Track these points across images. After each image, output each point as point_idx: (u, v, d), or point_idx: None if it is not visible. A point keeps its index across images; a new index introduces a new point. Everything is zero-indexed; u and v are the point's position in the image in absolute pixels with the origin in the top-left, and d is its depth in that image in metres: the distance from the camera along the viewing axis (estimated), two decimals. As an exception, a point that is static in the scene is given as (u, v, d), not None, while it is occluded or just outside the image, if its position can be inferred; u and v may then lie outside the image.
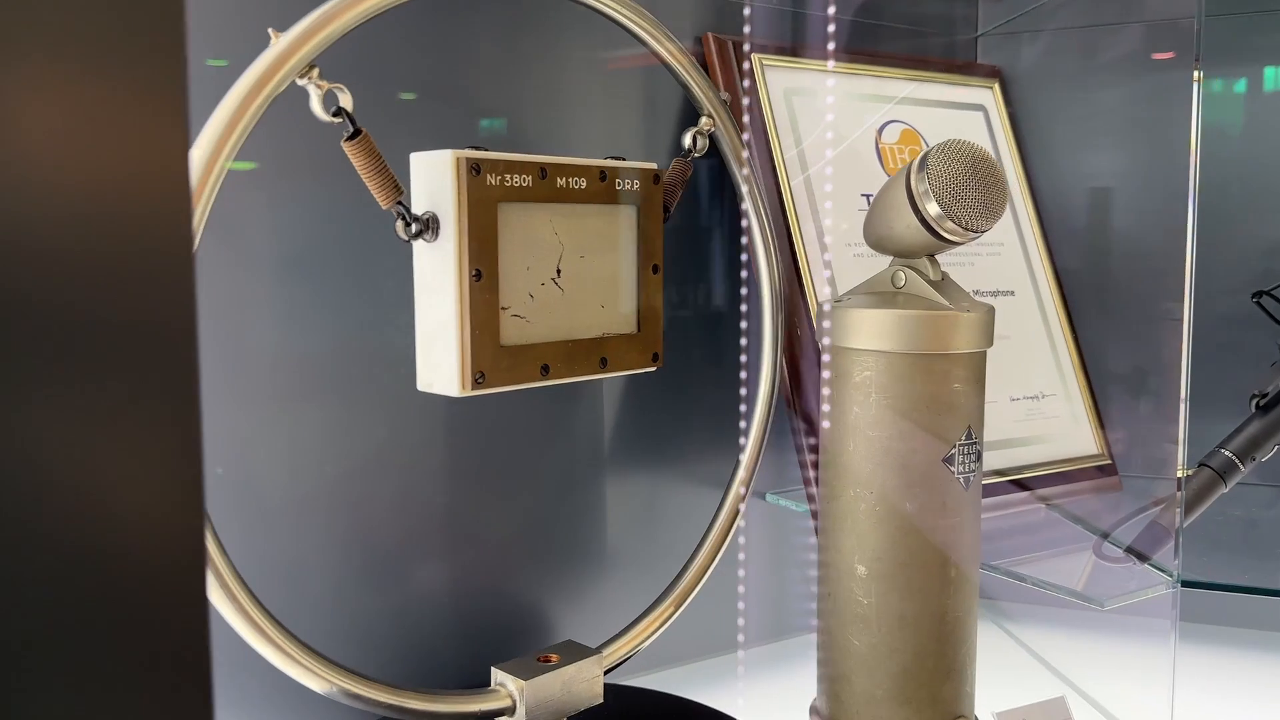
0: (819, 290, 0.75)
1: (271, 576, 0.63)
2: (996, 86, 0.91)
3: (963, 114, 0.88)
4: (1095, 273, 0.89)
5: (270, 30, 0.44)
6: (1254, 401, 0.70)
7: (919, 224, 0.57)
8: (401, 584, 0.68)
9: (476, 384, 0.49)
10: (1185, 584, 0.63)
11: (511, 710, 0.56)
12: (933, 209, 0.56)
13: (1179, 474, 0.62)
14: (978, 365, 0.58)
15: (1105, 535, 0.70)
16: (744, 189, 0.65)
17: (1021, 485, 0.81)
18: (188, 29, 0.20)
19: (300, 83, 0.45)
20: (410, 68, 0.64)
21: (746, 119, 0.76)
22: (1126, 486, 0.84)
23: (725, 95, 0.63)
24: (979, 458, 0.59)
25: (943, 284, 0.59)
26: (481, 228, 0.49)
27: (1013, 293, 0.85)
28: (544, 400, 0.72)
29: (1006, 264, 0.85)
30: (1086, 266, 0.89)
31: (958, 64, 0.91)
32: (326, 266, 0.61)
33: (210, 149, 0.42)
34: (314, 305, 0.62)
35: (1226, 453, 0.70)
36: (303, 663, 0.51)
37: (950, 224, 0.56)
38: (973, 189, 0.55)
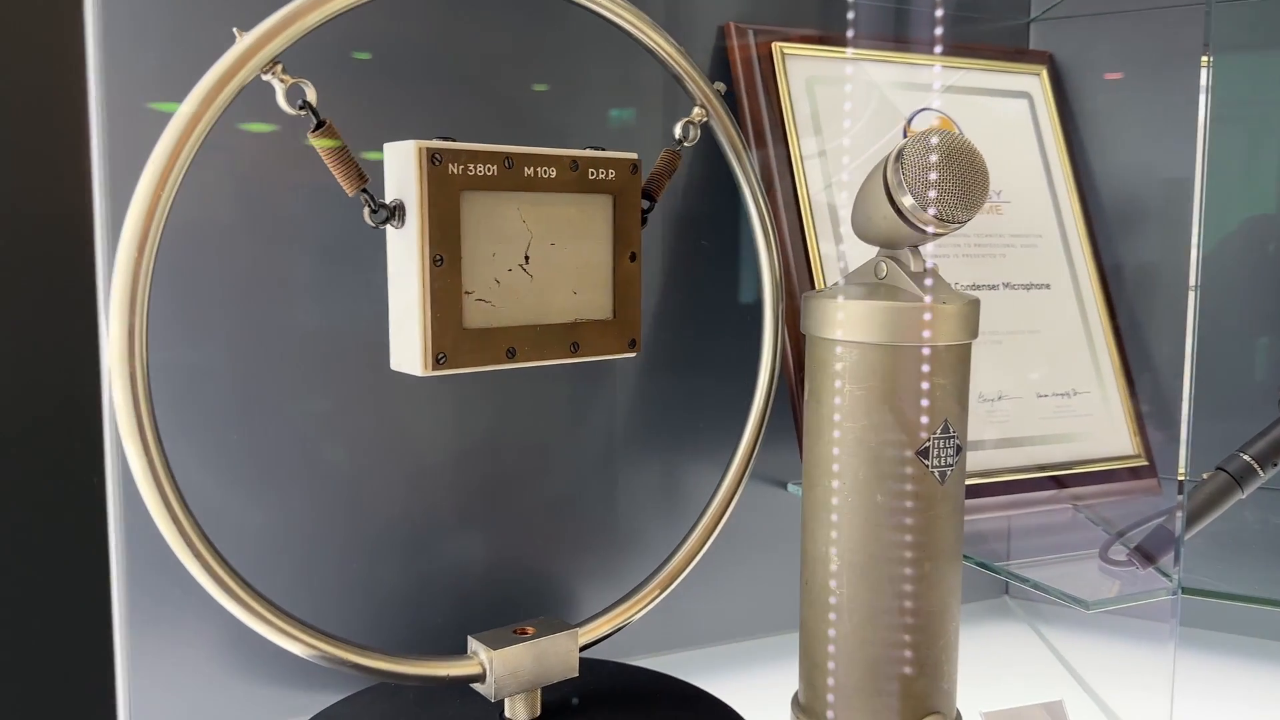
0: (829, 281, 0.74)
1: (286, 548, 0.67)
2: (1044, 73, 0.88)
3: (1004, 101, 0.86)
4: (1144, 269, 0.86)
5: (235, 30, 0.47)
6: (1281, 403, 0.67)
7: (895, 215, 0.56)
8: (417, 557, 0.71)
9: (438, 364, 0.52)
10: (1186, 590, 0.61)
11: (482, 678, 0.58)
12: (907, 201, 0.55)
13: (1180, 478, 0.60)
14: (958, 358, 0.58)
15: (1119, 536, 0.67)
16: (740, 178, 0.66)
17: (1049, 484, 0.79)
18: None
19: (265, 78, 0.48)
20: (427, 56, 0.67)
21: (764, 109, 0.76)
22: (1167, 490, 0.81)
23: (720, 86, 0.64)
24: (958, 451, 0.58)
25: (923, 276, 0.58)
26: (442, 215, 0.51)
27: (1048, 286, 0.82)
28: (565, 382, 0.74)
29: (1043, 256, 0.83)
30: (1135, 262, 0.86)
31: (1003, 50, 0.88)
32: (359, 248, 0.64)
33: (173, 142, 0.45)
34: (342, 283, 0.66)
35: (1245, 457, 0.66)
36: (281, 626, 0.55)
37: (925, 215, 0.55)
38: (947, 180, 0.54)
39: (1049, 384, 0.80)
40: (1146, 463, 0.80)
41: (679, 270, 0.77)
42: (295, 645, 0.55)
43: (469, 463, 0.73)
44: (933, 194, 0.55)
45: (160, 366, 0.63)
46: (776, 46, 0.77)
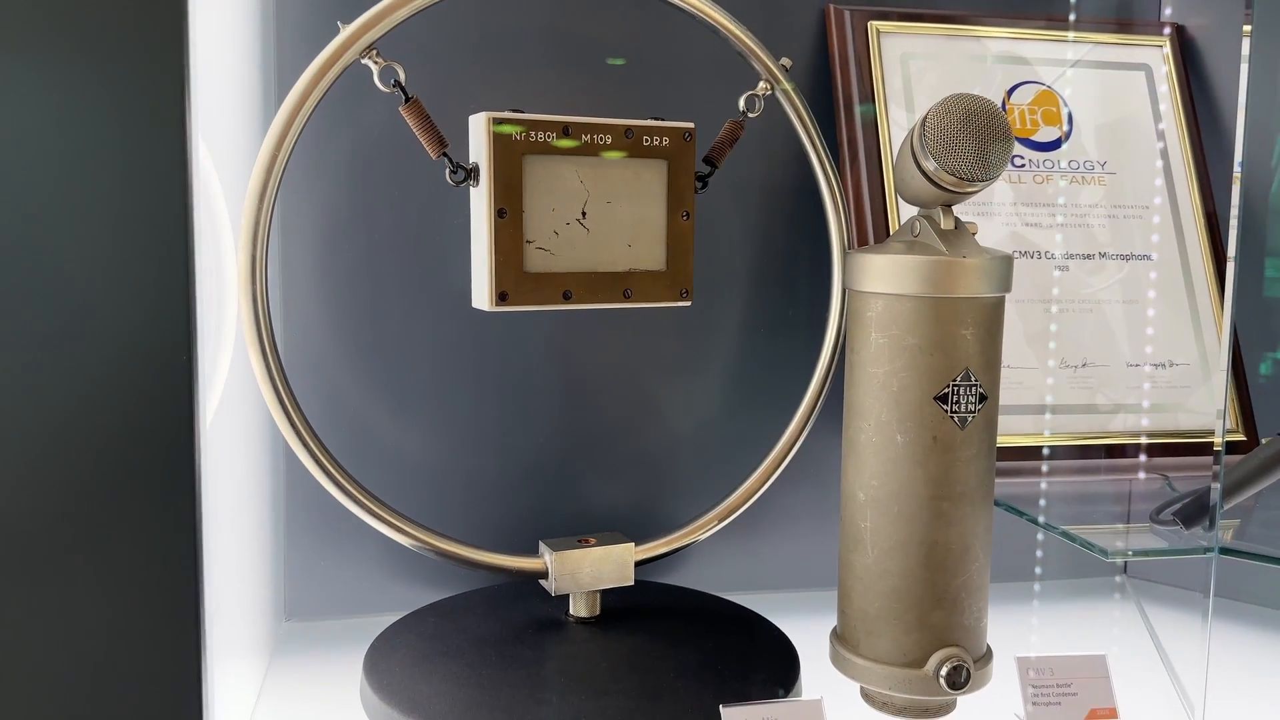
0: (906, 245, 0.78)
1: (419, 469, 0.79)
2: (1168, 45, 0.87)
3: (1118, 73, 0.86)
4: (1260, 245, 0.83)
5: (339, 22, 0.58)
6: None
7: (922, 177, 0.61)
8: (528, 485, 0.82)
9: (501, 301, 0.61)
10: (1224, 551, 0.61)
11: (545, 574, 0.68)
12: (929, 164, 0.60)
13: (1217, 445, 0.60)
14: (984, 311, 0.61)
15: (1173, 501, 0.68)
16: (808, 147, 0.71)
17: (1139, 452, 0.79)
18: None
19: (364, 61, 0.59)
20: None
21: (855, 83, 0.81)
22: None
23: (786, 61, 0.70)
24: (981, 399, 0.61)
25: (953, 234, 0.62)
26: (506, 174, 0.60)
27: (1149, 257, 0.82)
28: (671, 338, 0.82)
29: (1150, 228, 0.82)
30: (1253, 238, 0.83)
31: (1120, 22, 0.88)
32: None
33: (288, 113, 0.57)
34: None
35: (1308, 424, 0.65)
36: (390, 520, 0.66)
37: (948, 176, 0.59)
38: (964, 142, 0.58)
39: (1140, 354, 0.80)
40: (1245, 437, 0.79)
41: (767, 235, 0.83)
42: (402, 537, 0.67)
43: (577, 407, 0.82)
44: (953, 155, 0.59)
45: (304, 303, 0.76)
46: (872, 25, 0.82)
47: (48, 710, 0.47)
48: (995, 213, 0.81)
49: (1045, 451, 0.77)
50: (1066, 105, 0.84)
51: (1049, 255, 0.81)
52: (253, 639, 0.70)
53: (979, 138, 0.58)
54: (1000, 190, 0.82)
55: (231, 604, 0.62)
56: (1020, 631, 0.83)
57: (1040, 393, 0.79)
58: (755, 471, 0.74)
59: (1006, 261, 0.62)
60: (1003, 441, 0.78)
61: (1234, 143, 0.85)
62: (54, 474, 0.46)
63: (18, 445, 0.46)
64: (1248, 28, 0.58)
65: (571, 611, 0.70)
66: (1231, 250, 0.60)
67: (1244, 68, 0.58)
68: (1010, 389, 0.79)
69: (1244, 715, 0.69)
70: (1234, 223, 0.60)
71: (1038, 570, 0.90)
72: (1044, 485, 0.77)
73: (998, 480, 0.77)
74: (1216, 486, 0.61)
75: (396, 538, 0.67)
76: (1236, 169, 0.59)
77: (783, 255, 0.84)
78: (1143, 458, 0.78)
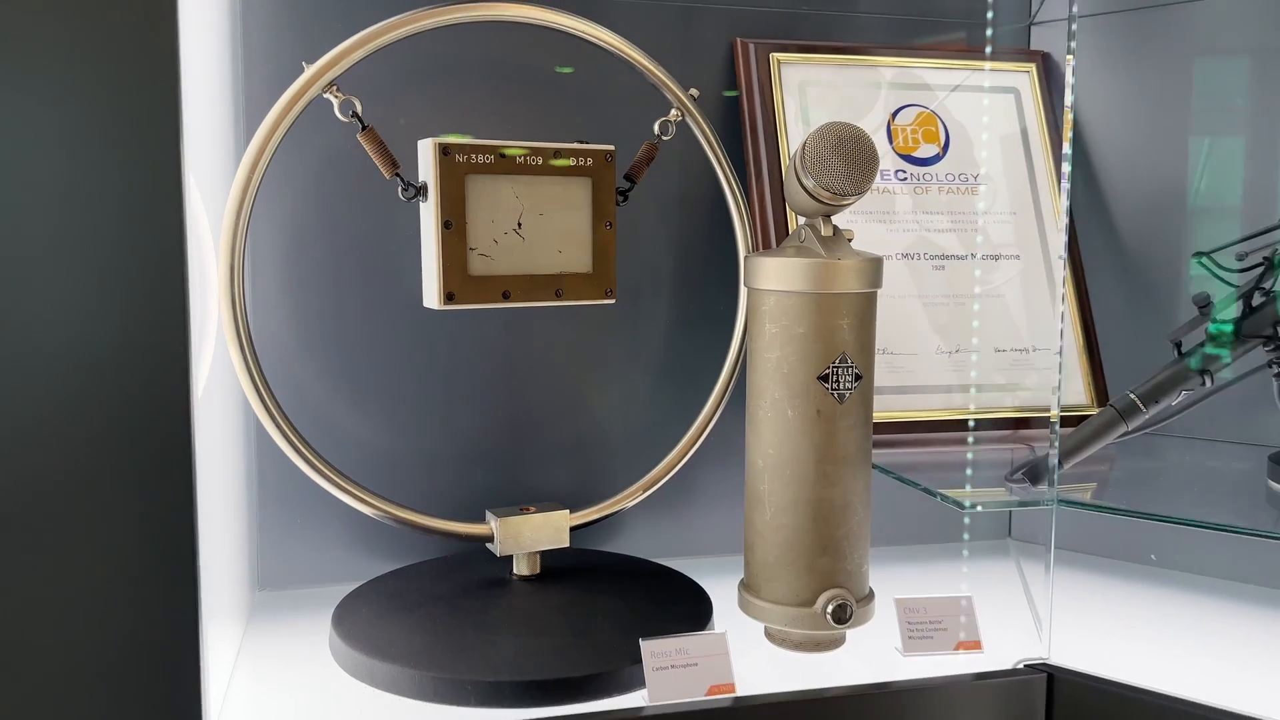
0: (803, 249, 0.89)
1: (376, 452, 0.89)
2: (1034, 70, 1.00)
3: (990, 96, 0.98)
4: (1112, 241, 0.96)
5: (303, 62, 0.68)
6: (1177, 348, 0.77)
7: (804, 192, 0.72)
8: (474, 465, 0.92)
9: (449, 300, 0.71)
10: (1063, 503, 0.73)
11: (491, 538, 0.78)
12: (809, 181, 0.71)
13: (1052, 418, 0.73)
14: (858, 304, 0.72)
15: (1025, 464, 0.80)
16: (715, 165, 0.82)
17: (1012, 426, 0.91)
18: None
19: (325, 96, 0.69)
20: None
21: (759, 109, 0.92)
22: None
23: (694, 92, 0.81)
24: (857, 379, 0.73)
25: (831, 240, 0.73)
26: (451, 191, 0.71)
27: (1018, 256, 0.94)
28: (601, 330, 0.93)
29: (1015, 230, 0.95)
30: (1106, 236, 0.96)
31: (995, 51, 1.00)
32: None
33: (261, 141, 0.67)
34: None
35: (1131, 395, 0.78)
36: (353, 493, 0.76)
37: (824, 191, 0.71)
38: (835, 163, 0.69)
39: (1009, 340, 0.92)
40: (1097, 411, 0.91)
41: (686, 242, 0.94)
42: (364, 508, 0.76)
43: (517, 394, 0.92)
44: (826, 173, 0.70)
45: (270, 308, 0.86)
46: (774, 56, 0.93)
47: (56, 667, 0.55)
48: (896, 219, 0.93)
49: (972, 423, 0.89)
50: (944, 125, 0.96)
51: (927, 256, 0.93)
52: (232, 606, 0.79)
53: (847, 160, 0.70)
54: (901, 200, 0.94)
55: (215, 573, 0.71)
56: (922, 588, 0.94)
57: (925, 375, 0.91)
58: (676, 447, 0.85)
59: (877, 262, 0.73)
60: (894, 417, 0.90)
61: (1089, 152, 0.98)
62: (70, 450, 0.55)
63: (41, 425, 0.55)
64: (1071, 58, 0.70)
65: (515, 571, 0.81)
66: (1062, 251, 0.72)
67: (1069, 82, 0.70)
68: (895, 372, 0.90)
69: (1089, 637, 0.81)
70: (1063, 219, 0.72)
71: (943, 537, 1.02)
72: (927, 455, 0.89)
73: (896, 450, 0.89)
74: (1054, 451, 0.73)
75: (360, 508, 0.77)
76: (1065, 177, 0.71)
77: (699, 259, 0.95)
78: (1015, 430, 0.90)
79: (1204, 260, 0.78)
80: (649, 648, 0.68)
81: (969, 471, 0.82)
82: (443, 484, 0.91)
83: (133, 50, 0.54)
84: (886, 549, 0.97)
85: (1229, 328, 0.77)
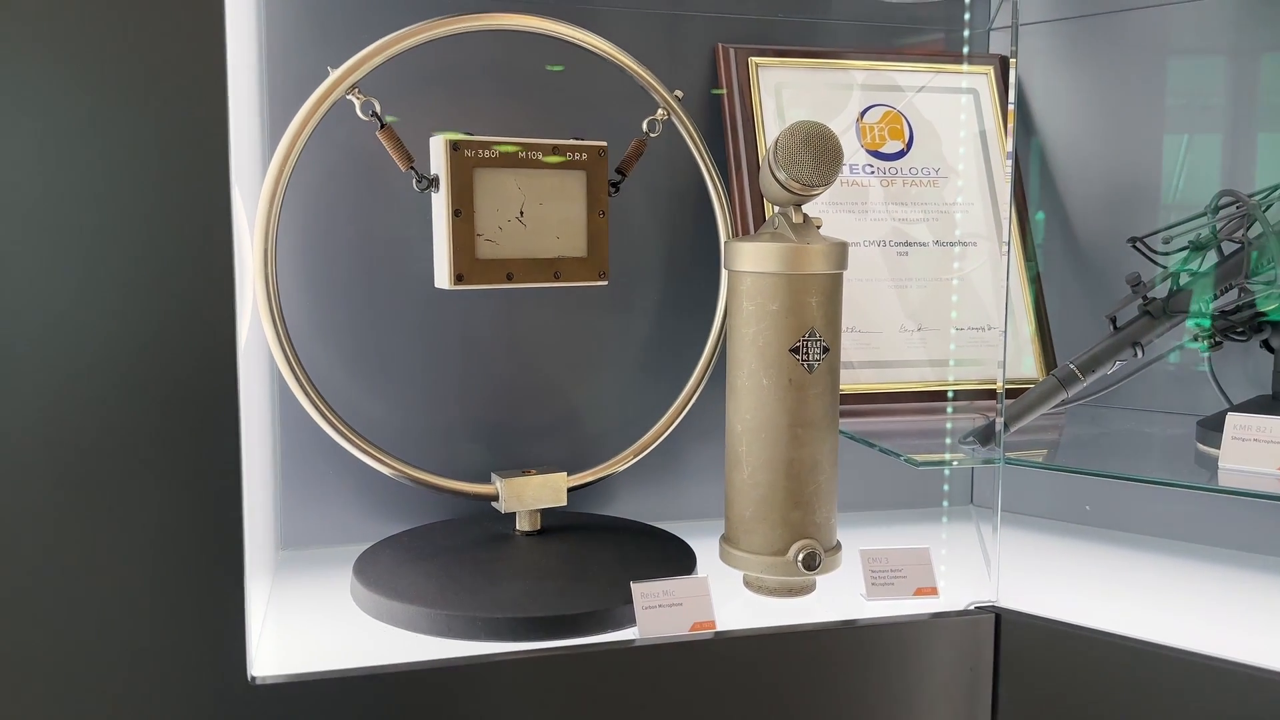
0: (779, 236, 0.98)
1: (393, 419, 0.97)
2: (992, 72, 1.08)
3: (952, 97, 1.07)
4: (1068, 231, 1.05)
5: (329, 67, 0.76)
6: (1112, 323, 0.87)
7: (777, 184, 0.80)
8: (481, 434, 1.00)
9: (458, 281, 0.80)
10: (1009, 462, 0.82)
11: (496, 497, 0.86)
12: (780, 174, 0.79)
13: (997, 387, 0.81)
14: (826, 284, 0.81)
15: (977, 429, 0.88)
16: (698, 160, 0.91)
17: (964, 396, 1.00)
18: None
19: (348, 98, 0.77)
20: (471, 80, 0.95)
21: (738, 109, 1.01)
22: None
23: (679, 93, 0.89)
24: (824, 351, 0.81)
25: (802, 226, 0.82)
26: (460, 183, 0.79)
27: (975, 244, 1.03)
28: (596, 312, 1.01)
29: (973, 219, 1.03)
30: (1059, 224, 1.05)
31: (957, 55, 1.09)
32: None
33: (291, 137, 0.75)
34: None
35: (1071, 365, 0.86)
36: (373, 454, 0.84)
37: (794, 183, 0.79)
38: (803, 157, 0.78)
39: (966, 319, 1.01)
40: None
41: (674, 229, 1.03)
42: (382, 468, 0.85)
43: (520, 369, 1.01)
44: (795, 167, 0.78)
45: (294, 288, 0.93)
46: (752, 60, 1.02)
47: (114, 614, 0.64)
48: (865, 210, 1.02)
49: (951, 394, 0.98)
50: (909, 123, 1.04)
51: (893, 243, 1.02)
52: (261, 562, 0.87)
53: (815, 154, 0.78)
54: (870, 192, 1.02)
55: (248, 528, 0.79)
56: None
57: (891, 351, 0.99)
58: (664, 415, 0.93)
59: (842, 247, 0.82)
60: (861, 389, 0.98)
61: (1047, 148, 1.07)
62: (131, 414, 0.64)
63: (109, 391, 0.63)
64: (1014, 60, 0.79)
65: (518, 527, 0.89)
66: (1006, 235, 0.81)
67: (1012, 93, 0.79)
68: (864, 349, 0.99)
69: (1035, 587, 0.90)
70: (1009, 210, 0.81)
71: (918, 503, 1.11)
72: (898, 424, 0.98)
73: (866, 420, 0.98)
74: (1000, 417, 0.82)
75: (379, 468, 0.85)
76: (1011, 171, 0.80)
77: (684, 245, 1.03)
78: (971, 401, 0.99)
79: (1136, 244, 0.87)
80: (639, 589, 0.77)
81: (943, 439, 0.91)
82: (449, 454, 0.99)
83: (190, 64, 0.62)
84: (865, 513, 1.07)
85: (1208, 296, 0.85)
